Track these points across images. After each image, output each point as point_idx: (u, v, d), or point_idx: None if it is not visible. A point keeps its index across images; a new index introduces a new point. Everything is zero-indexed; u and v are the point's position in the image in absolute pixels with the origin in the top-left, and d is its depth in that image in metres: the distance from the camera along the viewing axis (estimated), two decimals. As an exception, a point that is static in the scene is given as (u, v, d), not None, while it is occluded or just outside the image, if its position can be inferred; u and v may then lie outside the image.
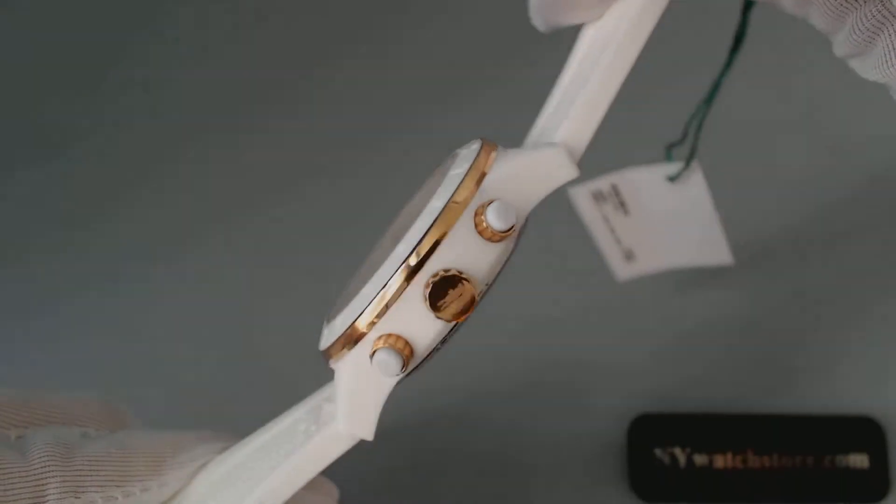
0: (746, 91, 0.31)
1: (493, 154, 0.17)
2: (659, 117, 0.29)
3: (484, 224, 0.16)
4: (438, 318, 0.16)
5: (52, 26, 0.41)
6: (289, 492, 0.18)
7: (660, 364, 0.33)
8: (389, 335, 0.16)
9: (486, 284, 0.17)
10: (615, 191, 0.29)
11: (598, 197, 0.30)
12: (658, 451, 0.31)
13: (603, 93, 0.17)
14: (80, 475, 0.18)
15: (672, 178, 0.28)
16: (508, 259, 0.17)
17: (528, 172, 0.17)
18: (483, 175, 0.17)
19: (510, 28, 0.31)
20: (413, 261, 0.16)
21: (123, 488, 0.18)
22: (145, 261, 0.37)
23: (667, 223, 0.30)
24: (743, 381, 0.32)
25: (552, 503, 0.32)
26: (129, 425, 0.21)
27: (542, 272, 0.34)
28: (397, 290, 0.16)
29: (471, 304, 0.16)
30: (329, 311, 0.19)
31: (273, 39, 0.40)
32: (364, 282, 0.17)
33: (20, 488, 0.17)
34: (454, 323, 0.17)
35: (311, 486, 0.18)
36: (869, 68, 0.17)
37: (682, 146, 0.28)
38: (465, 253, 0.16)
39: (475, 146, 0.18)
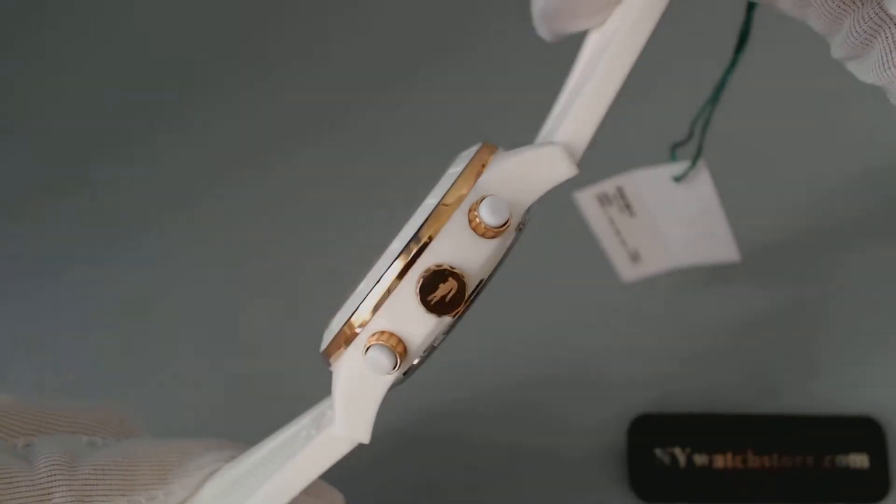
0: (750, 90, 0.31)
1: (492, 154, 0.17)
2: (660, 118, 0.29)
3: (477, 220, 0.16)
4: (430, 313, 0.16)
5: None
6: (286, 497, 0.18)
7: (660, 364, 0.33)
8: (382, 332, 0.16)
9: (481, 280, 0.17)
10: (620, 193, 0.29)
11: (603, 200, 0.30)
12: (658, 451, 0.31)
13: (603, 93, 0.17)
14: (86, 484, 0.18)
15: (678, 178, 0.28)
16: (506, 256, 0.17)
17: (524, 170, 0.17)
18: (479, 173, 0.17)
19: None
20: (405, 257, 0.16)
21: (129, 497, 0.18)
22: (147, 261, 0.37)
23: (673, 223, 0.30)
24: (743, 381, 0.33)
25: (552, 503, 0.32)
26: (136, 433, 0.21)
27: (543, 272, 0.34)
28: (390, 286, 0.16)
29: (462, 300, 0.16)
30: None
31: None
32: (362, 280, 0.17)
33: (26, 497, 0.17)
34: (448, 320, 0.16)
35: (314, 492, 0.18)
36: (866, 71, 0.17)
37: (686, 146, 0.28)
38: (458, 249, 0.16)
39: (476, 147, 0.18)
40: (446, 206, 0.16)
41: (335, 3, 0.40)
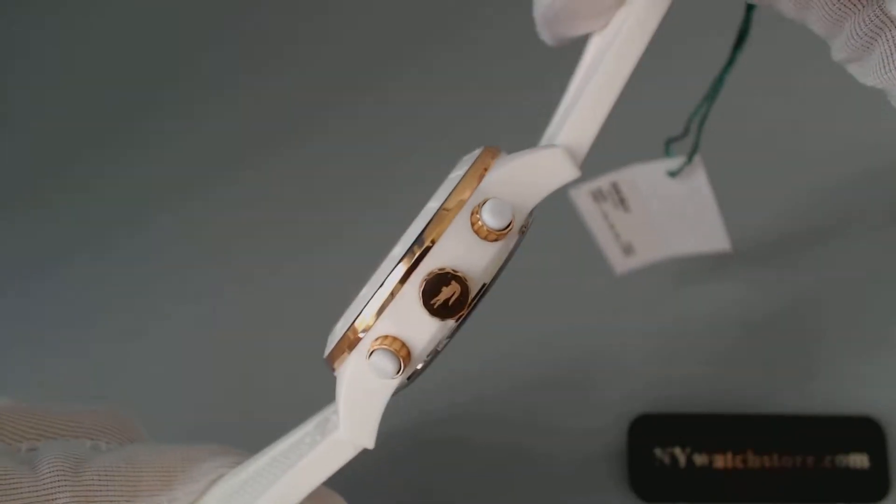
0: (747, 88, 0.31)
1: (494, 157, 0.17)
2: (653, 114, 0.29)
3: (480, 223, 0.16)
4: (433, 317, 0.16)
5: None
6: (290, 503, 0.18)
7: (660, 364, 0.33)
8: (385, 337, 0.16)
9: (484, 284, 0.17)
10: (615, 188, 0.29)
11: (597, 196, 0.30)
12: (658, 451, 0.31)
13: (604, 95, 0.17)
14: (89, 490, 0.18)
15: (673, 174, 0.29)
16: (509, 258, 0.17)
17: (526, 173, 0.17)
18: (482, 176, 0.17)
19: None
20: (408, 260, 0.16)
21: (133, 503, 0.18)
22: (147, 261, 0.37)
23: (666, 215, 0.30)
24: (743, 380, 0.33)
25: (552, 503, 0.32)
26: (139, 437, 0.21)
27: (542, 273, 0.34)
28: (393, 290, 0.16)
29: (465, 303, 0.16)
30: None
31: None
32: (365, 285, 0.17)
33: (30, 502, 0.17)
34: (451, 324, 0.16)
35: (317, 499, 0.18)
36: (867, 73, 0.17)
37: (682, 141, 0.28)
38: (461, 252, 0.16)
39: (478, 150, 0.18)
40: (449, 209, 0.16)
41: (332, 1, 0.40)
